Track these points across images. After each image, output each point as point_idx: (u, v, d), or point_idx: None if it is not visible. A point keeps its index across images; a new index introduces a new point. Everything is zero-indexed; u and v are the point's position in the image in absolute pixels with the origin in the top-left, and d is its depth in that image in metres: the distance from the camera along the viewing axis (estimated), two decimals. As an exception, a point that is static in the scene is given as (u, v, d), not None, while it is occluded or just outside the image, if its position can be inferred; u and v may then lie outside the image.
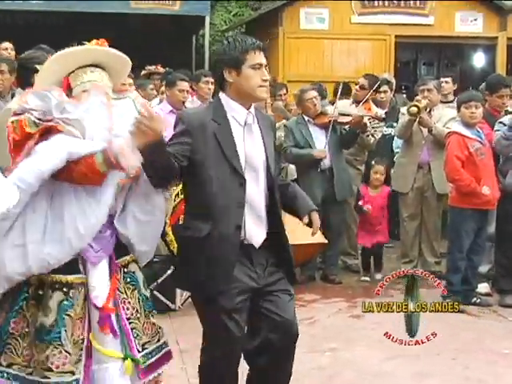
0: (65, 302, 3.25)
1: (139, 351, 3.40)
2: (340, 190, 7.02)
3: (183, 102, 6.68)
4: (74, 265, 3.29)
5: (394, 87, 8.84)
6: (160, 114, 6.24)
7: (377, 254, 7.33)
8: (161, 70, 9.51)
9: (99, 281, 3.31)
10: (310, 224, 3.65)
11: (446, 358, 5.11)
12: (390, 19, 11.24)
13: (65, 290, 3.26)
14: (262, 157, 3.52)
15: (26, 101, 3.23)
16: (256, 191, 3.48)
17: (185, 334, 5.22)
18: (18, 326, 3.26)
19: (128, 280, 3.45)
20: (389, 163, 7.55)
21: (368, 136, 7.39)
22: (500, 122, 6.45)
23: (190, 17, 11.99)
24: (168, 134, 3.53)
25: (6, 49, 7.97)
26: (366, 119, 7.18)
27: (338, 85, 8.01)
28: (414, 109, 6.95)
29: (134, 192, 3.41)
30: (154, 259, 5.85)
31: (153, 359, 3.48)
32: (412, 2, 11.28)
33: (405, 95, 10.88)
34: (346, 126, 7.15)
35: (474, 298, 6.36)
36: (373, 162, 7.37)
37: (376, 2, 11.23)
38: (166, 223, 4.47)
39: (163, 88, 7.85)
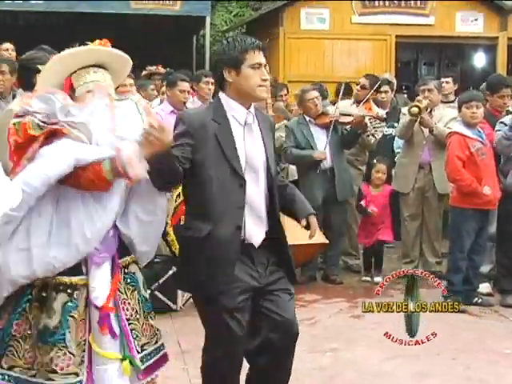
0: (69, 304, 3.24)
1: (138, 352, 3.40)
2: (341, 190, 7.02)
3: (184, 103, 6.68)
4: (78, 266, 3.28)
5: (394, 87, 8.84)
6: (161, 115, 6.30)
7: (377, 253, 7.25)
8: (161, 70, 9.51)
9: (100, 282, 3.31)
10: (308, 227, 3.66)
11: (447, 358, 5.11)
12: (390, 19, 11.24)
13: (69, 291, 3.25)
14: (262, 157, 3.53)
15: (30, 104, 3.21)
16: (256, 192, 3.48)
17: (186, 334, 5.23)
18: (21, 328, 3.25)
19: (128, 281, 3.44)
20: (390, 163, 7.54)
21: (368, 136, 7.39)
22: (501, 122, 6.45)
23: (191, 17, 11.99)
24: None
25: (7, 49, 7.98)
26: (366, 119, 7.18)
27: (339, 85, 8.02)
28: (415, 109, 6.95)
29: (136, 192, 3.40)
30: (156, 259, 5.87)
31: (151, 361, 3.48)
32: (413, 2, 11.28)
33: (405, 95, 10.89)
34: (347, 126, 7.16)
35: (476, 298, 6.36)
36: (374, 161, 7.33)
37: (376, 2, 11.23)
38: (167, 224, 4.47)
39: (163, 88, 7.86)
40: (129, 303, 3.40)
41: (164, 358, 3.57)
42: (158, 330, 3.55)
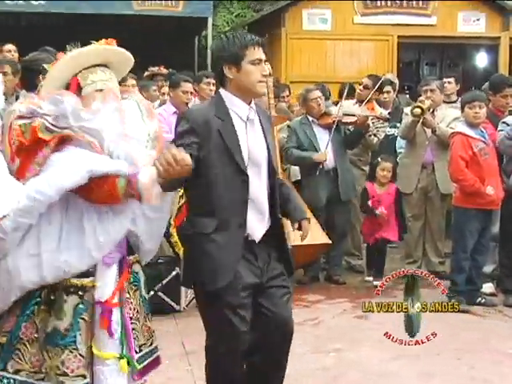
0: (80, 306, 3.23)
1: (136, 352, 3.40)
2: (344, 191, 7.02)
3: (186, 104, 6.68)
4: (89, 269, 3.27)
5: (396, 87, 8.84)
6: (164, 116, 6.30)
7: (380, 252, 7.14)
8: (164, 71, 9.52)
9: (107, 280, 3.29)
10: (300, 230, 3.69)
11: (451, 358, 5.10)
12: (392, 19, 11.21)
13: (80, 293, 3.24)
14: (264, 152, 3.54)
15: (40, 105, 3.19)
16: (258, 187, 3.50)
17: (190, 335, 5.22)
18: (28, 332, 3.23)
19: (131, 280, 3.44)
20: (393, 163, 7.52)
21: (371, 136, 7.39)
22: (503, 122, 6.46)
23: (193, 18, 11.97)
24: (172, 136, 3.55)
25: (10, 51, 8.00)
26: (369, 119, 7.18)
27: (343, 86, 8.01)
28: (418, 110, 6.94)
29: None
30: (159, 260, 5.88)
31: (145, 362, 3.47)
32: (414, 3, 11.26)
33: (407, 95, 10.89)
34: (350, 127, 7.15)
35: (479, 298, 6.35)
36: (379, 159, 7.23)
37: (378, 3, 11.22)
38: (170, 225, 4.46)
39: (164, 89, 7.86)
40: (131, 302, 3.40)
41: (157, 361, 3.56)
42: (153, 331, 3.55)
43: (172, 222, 5.25)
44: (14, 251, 3.16)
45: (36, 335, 3.23)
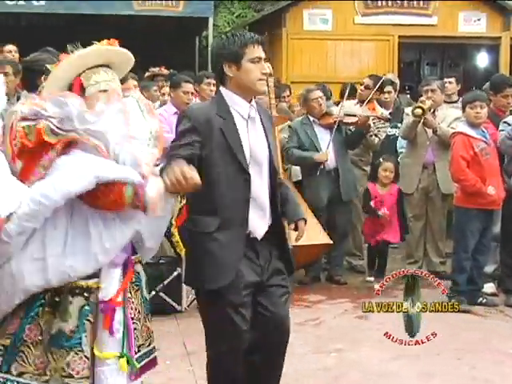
0: (86, 308, 3.21)
1: (136, 352, 3.40)
2: (346, 191, 7.02)
3: (187, 104, 6.68)
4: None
5: (397, 88, 8.83)
6: (164, 116, 6.30)
7: (381, 253, 7.10)
8: (165, 71, 9.51)
9: (111, 281, 3.29)
10: (296, 230, 3.71)
11: (452, 358, 5.11)
12: (393, 20, 11.21)
13: (85, 294, 3.22)
14: (265, 151, 3.55)
15: (44, 107, 3.17)
16: (260, 185, 3.51)
17: (191, 335, 5.21)
18: (32, 334, 3.21)
19: (133, 280, 3.43)
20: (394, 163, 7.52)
21: (372, 136, 7.38)
22: (504, 122, 6.46)
23: (193, 18, 11.98)
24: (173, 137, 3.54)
25: (10, 51, 7.99)
26: (370, 120, 7.18)
27: (344, 86, 8.01)
28: (419, 110, 6.94)
29: None
30: (160, 260, 5.88)
31: (142, 362, 3.46)
32: (415, 3, 11.26)
33: (408, 95, 10.88)
34: (351, 127, 7.15)
35: (480, 298, 6.36)
36: (381, 159, 7.20)
37: (379, 3, 11.22)
38: (172, 224, 4.45)
39: (165, 90, 7.86)
40: (132, 302, 3.40)
41: (154, 362, 3.55)
42: (152, 332, 3.54)
43: (173, 222, 5.25)
44: (18, 255, 3.14)
45: (40, 337, 3.21)
